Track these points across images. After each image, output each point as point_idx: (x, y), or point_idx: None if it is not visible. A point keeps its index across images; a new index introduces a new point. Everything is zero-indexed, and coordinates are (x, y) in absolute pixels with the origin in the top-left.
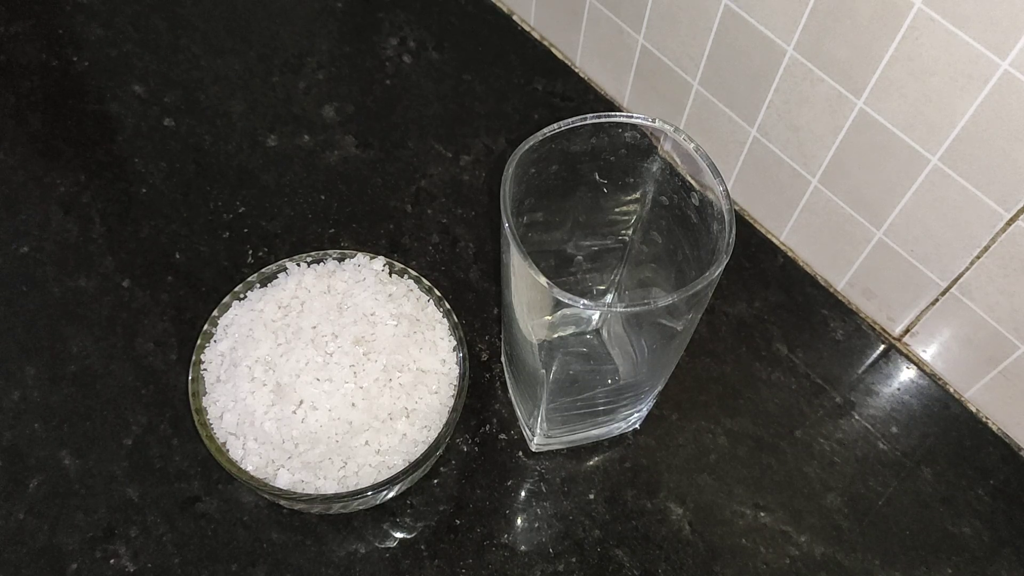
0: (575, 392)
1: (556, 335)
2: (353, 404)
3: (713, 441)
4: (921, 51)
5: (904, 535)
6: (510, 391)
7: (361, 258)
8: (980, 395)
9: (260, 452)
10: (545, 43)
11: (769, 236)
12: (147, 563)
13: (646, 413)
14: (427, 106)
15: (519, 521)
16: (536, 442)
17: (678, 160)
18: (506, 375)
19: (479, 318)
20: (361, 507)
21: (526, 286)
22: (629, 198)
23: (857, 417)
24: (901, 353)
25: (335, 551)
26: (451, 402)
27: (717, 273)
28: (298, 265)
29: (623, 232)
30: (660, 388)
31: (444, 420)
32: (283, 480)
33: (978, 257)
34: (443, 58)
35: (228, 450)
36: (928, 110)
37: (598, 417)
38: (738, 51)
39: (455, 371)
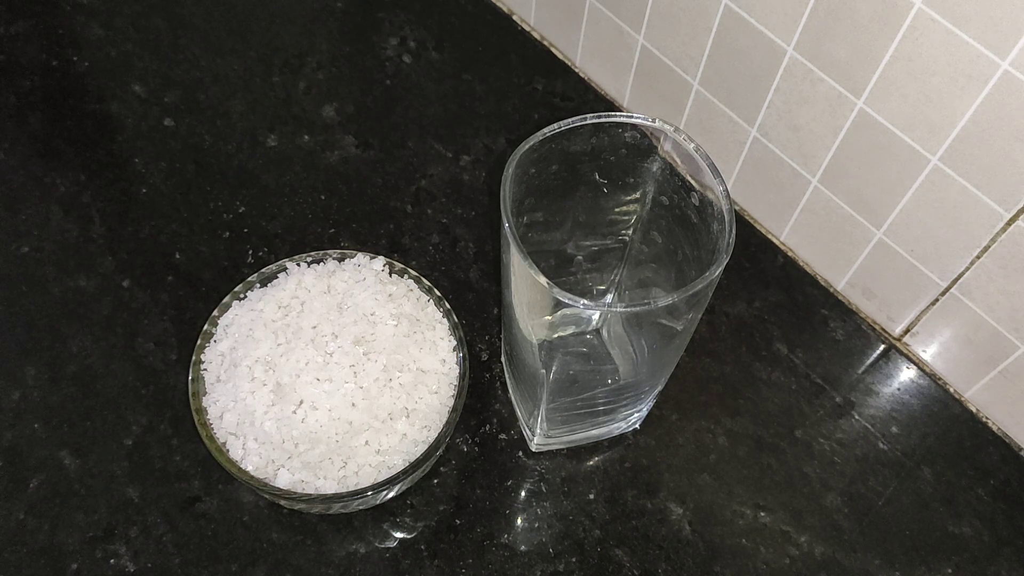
0: (575, 392)
1: (556, 335)
2: (353, 404)
3: (713, 441)
4: (921, 51)
5: (904, 535)
6: (510, 391)
7: (361, 258)
8: (980, 395)
9: (260, 452)
10: (545, 43)
11: (769, 236)
12: (147, 563)
13: (646, 413)
14: (427, 106)
15: (519, 521)
16: (536, 442)
17: (678, 160)
18: (506, 375)
19: (479, 318)
20: (361, 507)
21: (526, 286)
22: (629, 198)
23: (857, 417)
24: (901, 353)
25: (335, 551)
26: (451, 402)
27: (717, 273)
28: (298, 265)
29: (623, 232)
30: (660, 388)
31: (444, 420)
32: (283, 480)
33: (978, 257)
34: (443, 58)
35: (228, 450)
36: (928, 110)
37: (598, 417)
38: (738, 51)
39: (455, 371)
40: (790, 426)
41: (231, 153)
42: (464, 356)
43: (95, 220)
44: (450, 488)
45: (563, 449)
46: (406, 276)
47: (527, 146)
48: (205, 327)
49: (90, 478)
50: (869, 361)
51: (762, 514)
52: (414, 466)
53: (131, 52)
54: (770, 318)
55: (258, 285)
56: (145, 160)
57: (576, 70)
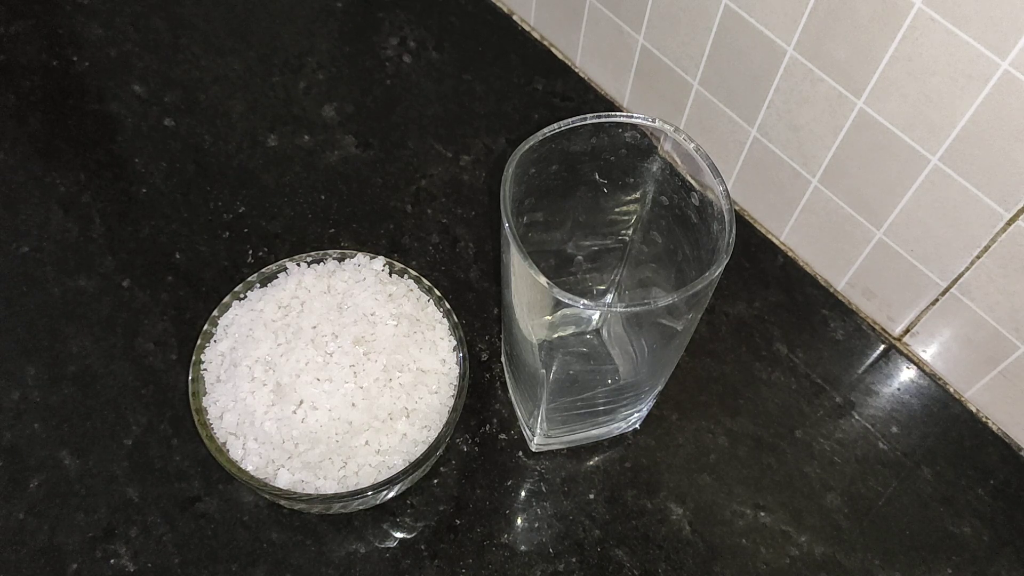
0: (575, 392)
1: (556, 335)
2: (353, 404)
3: (713, 441)
4: (921, 51)
5: (904, 535)
6: (510, 391)
7: (361, 258)
8: (980, 395)
9: (260, 452)
10: (545, 43)
11: (769, 236)
12: (147, 563)
13: (646, 413)
14: (427, 106)
15: (519, 521)
16: (536, 442)
17: (678, 160)
18: (506, 375)
19: (479, 318)
20: (361, 507)
21: (526, 286)
22: (629, 198)
23: (857, 417)
24: (901, 353)
25: (335, 551)
26: (451, 402)
27: (717, 273)
28: (298, 265)
29: (623, 232)
30: (660, 388)
31: (444, 420)
32: (283, 480)
33: (978, 257)
34: (443, 58)
35: (228, 450)
36: (928, 110)
37: (598, 417)
38: (738, 51)
39: (455, 371)
40: (790, 426)
41: (231, 153)
42: (464, 356)
43: (95, 220)
44: (450, 488)
45: (563, 449)
46: (406, 276)
47: (527, 146)
48: (205, 327)
49: (90, 478)
50: (869, 361)
51: (762, 514)
52: (414, 466)
53: (131, 52)
54: (770, 318)
55: (258, 285)
56: (145, 160)
57: (576, 70)
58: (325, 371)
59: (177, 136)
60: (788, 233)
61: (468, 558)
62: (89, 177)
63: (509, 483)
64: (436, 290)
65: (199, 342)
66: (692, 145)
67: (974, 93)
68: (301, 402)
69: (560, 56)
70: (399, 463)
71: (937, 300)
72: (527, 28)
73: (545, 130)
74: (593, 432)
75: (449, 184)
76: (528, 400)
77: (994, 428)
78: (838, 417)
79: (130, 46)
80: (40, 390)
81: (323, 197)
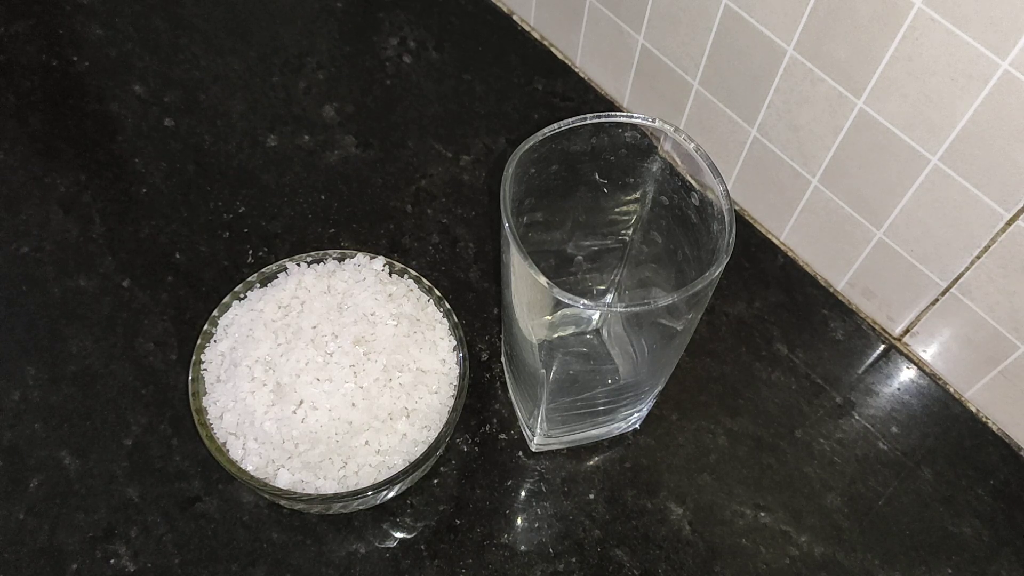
0: (575, 392)
1: (556, 335)
2: (353, 404)
3: (713, 441)
4: (921, 51)
5: (904, 535)
6: (510, 391)
7: (361, 258)
8: (980, 395)
9: (260, 452)
10: (545, 43)
11: (769, 236)
12: (147, 563)
13: (646, 413)
14: (427, 106)
15: (519, 521)
16: (536, 442)
17: (678, 160)
18: (506, 375)
19: (479, 318)
20: (361, 507)
21: (526, 286)
22: (629, 198)
23: (857, 417)
24: (901, 353)
25: (335, 551)
26: (451, 402)
27: (717, 273)
28: (298, 265)
29: (623, 232)
30: (660, 388)
31: (444, 420)
32: (283, 480)
33: (978, 257)
34: (443, 58)
35: (228, 450)
36: (928, 110)
37: (598, 417)
38: (738, 51)
39: (455, 371)
40: (790, 426)
41: (231, 153)
42: (464, 356)
43: (95, 220)
44: (450, 488)
45: (563, 449)
46: (406, 276)
47: (527, 146)
48: (205, 327)
49: (90, 478)
50: (869, 361)
51: (762, 514)
52: (414, 466)
53: (131, 52)
54: (770, 318)
55: (258, 285)
56: (145, 160)
57: (576, 70)
58: (325, 371)
59: (177, 136)
60: (788, 233)
61: (468, 558)
62: (89, 177)
63: (509, 483)
64: (436, 290)
65: (199, 342)
66: (692, 145)
67: (974, 93)
68: (301, 402)
69: (560, 56)
70: (399, 463)
71: (937, 300)
72: (527, 28)
73: (545, 130)
74: (593, 432)
75: (449, 184)
76: (528, 400)
77: (994, 428)
78: (838, 417)
79: (130, 46)
80: (40, 390)
81: (323, 197)
